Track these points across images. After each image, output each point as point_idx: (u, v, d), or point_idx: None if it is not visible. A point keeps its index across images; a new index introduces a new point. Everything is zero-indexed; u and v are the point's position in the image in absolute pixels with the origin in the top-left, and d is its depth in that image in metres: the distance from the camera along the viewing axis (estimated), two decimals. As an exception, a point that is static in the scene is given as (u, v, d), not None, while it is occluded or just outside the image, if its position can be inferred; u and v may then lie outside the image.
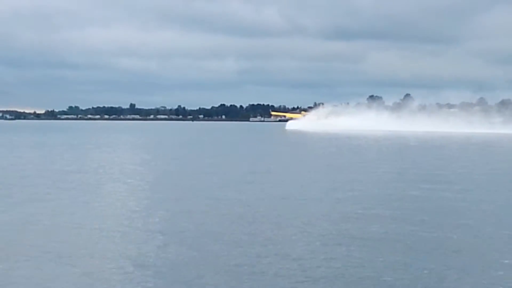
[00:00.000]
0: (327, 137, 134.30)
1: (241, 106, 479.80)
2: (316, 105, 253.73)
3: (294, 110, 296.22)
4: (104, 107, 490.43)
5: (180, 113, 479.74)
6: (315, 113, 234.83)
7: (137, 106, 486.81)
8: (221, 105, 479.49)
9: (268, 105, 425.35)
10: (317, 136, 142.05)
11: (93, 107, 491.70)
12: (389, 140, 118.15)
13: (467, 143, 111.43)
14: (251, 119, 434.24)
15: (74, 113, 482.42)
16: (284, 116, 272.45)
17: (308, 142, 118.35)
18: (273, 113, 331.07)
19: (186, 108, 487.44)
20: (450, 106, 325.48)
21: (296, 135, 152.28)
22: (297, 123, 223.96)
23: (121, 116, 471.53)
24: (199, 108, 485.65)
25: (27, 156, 70.45)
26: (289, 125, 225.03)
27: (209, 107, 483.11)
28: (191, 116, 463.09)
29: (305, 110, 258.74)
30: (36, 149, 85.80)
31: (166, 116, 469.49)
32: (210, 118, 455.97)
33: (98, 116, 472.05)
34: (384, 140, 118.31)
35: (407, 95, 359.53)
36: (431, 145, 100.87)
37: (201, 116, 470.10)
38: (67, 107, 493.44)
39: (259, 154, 78.13)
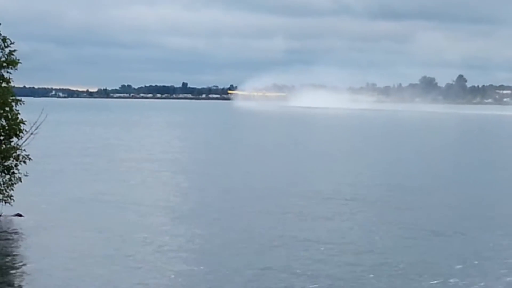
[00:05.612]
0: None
1: (292, 86, 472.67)
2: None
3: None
4: (156, 86, 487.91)
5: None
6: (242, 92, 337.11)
7: (189, 85, 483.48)
8: (273, 84, 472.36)
9: (318, 84, 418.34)
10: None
11: (145, 86, 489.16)
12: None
13: None
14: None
15: (127, 91, 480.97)
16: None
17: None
18: (229, 92, 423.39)
19: (238, 87, 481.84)
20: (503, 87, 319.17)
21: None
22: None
23: (174, 95, 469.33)
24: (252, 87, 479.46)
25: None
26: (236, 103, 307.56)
27: (262, 86, 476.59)
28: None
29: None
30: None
31: (218, 96, 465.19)
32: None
33: (150, 95, 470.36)
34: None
35: (460, 76, 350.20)
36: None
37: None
38: (120, 86, 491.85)
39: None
